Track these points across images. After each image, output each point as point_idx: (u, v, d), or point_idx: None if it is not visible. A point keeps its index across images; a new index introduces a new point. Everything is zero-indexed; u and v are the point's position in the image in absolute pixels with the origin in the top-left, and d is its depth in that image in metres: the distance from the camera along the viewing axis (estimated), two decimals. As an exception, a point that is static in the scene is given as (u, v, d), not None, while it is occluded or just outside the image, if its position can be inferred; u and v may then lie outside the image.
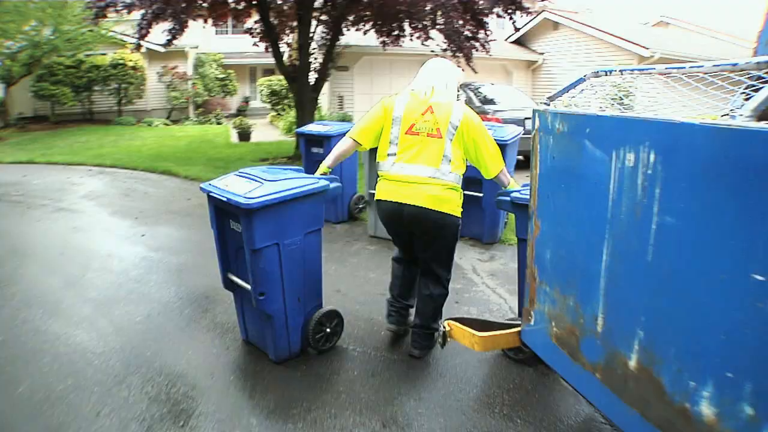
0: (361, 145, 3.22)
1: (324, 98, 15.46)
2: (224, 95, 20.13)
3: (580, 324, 2.05)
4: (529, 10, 10.46)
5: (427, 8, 9.74)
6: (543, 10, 10.58)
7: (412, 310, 3.56)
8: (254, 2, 10.30)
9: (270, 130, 16.79)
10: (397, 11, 9.96)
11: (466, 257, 5.30)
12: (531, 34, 17.87)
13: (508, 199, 3.32)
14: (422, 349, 3.34)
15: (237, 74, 20.66)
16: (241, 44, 20.56)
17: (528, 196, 3.06)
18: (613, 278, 1.86)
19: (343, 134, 7.15)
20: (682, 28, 18.16)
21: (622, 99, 2.09)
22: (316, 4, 10.42)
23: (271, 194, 2.85)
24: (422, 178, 2.97)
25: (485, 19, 10.80)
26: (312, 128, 6.57)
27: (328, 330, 3.41)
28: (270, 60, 11.23)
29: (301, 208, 3.03)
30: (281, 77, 16.79)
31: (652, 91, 2.03)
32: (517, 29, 13.22)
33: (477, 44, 10.86)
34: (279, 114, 17.72)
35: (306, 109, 10.93)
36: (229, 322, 3.83)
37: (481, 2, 10.13)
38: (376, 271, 4.92)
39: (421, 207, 2.94)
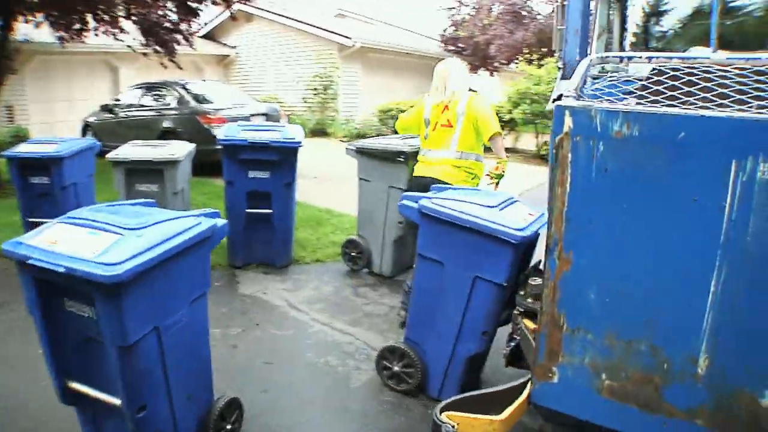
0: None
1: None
2: None
3: (663, 369, 1.67)
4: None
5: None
6: (234, 2, 9.88)
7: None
8: None
9: None
10: (76, 1, 7.88)
11: (270, 290, 4.40)
12: (222, 27, 16.81)
13: (414, 206, 2.73)
14: None
15: None
16: None
17: (451, 211, 2.58)
18: (731, 312, 1.52)
19: (79, 153, 5.34)
20: (358, 20, 19.73)
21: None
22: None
23: (145, 252, 1.84)
24: (438, 159, 3.78)
25: (199, 7, 9.54)
26: (31, 149, 4.60)
27: (228, 427, 2.45)
28: None
29: (186, 267, 2.08)
30: None
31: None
32: (234, 17, 12.07)
33: (180, 37, 9.56)
34: None
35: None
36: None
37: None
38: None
39: (436, 179, 3.66)
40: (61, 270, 1.72)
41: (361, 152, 4.60)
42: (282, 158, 4.40)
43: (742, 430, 1.57)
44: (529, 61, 16.37)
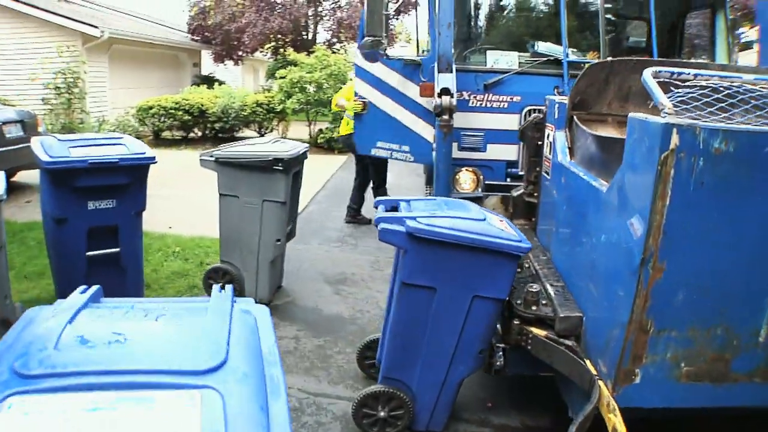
0: None
1: None
2: None
3: (733, 346, 1.96)
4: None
5: None
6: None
7: None
8: None
9: None
10: None
11: None
12: None
13: (401, 229, 2.46)
14: None
15: None
16: None
17: (450, 231, 2.43)
18: None
19: None
20: (84, 7, 16.35)
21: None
22: None
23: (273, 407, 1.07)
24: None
25: None
26: None
27: None
28: None
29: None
30: None
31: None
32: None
33: None
34: None
35: None
36: None
37: None
38: None
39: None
40: None
41: (223, 163, 3.95)
42: (132, 180, 3.48)
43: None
44: (276, 49, 16.28)
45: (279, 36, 15.77)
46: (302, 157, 4.23)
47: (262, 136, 13.09)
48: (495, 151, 4.43)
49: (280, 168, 3.88)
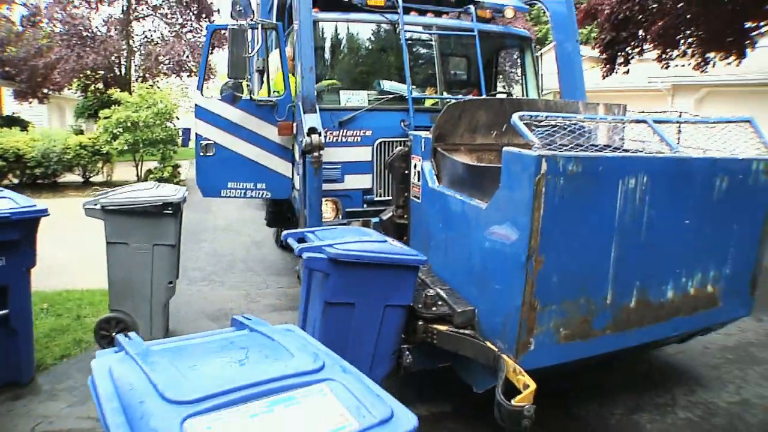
0: None
1: None
2: None
3: (592, 310, 2.68)
4: None
5: None
6: None
7: None
8: None
9: None
10: None
11: (55, 417, 3.21)
12: None
13: (323, 256, 2.79)
14: None
15: None
16: None
17: (365, 253, 2.84)
18: (620, 263, 2.66)
19: None
20: None
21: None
22: None
23: None
24: None
25: None
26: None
27: None
28: None
29: None
30: None
31: None
32: None
33: None
34: None
35: None
36: None
37: None
38: None
39: None
40: None
41: (111, 211, 3.85)
42: (22, 235, 3.33)
43: (624, 324, 2.79)
44: (86, 86, 14.99)
45: (90, 72, 14.57)
46: (185, 199, 4.27)
47: (88, 179, 12.04)
48: (352, 181, 4.75)
49: (170, 211, 3.91)
